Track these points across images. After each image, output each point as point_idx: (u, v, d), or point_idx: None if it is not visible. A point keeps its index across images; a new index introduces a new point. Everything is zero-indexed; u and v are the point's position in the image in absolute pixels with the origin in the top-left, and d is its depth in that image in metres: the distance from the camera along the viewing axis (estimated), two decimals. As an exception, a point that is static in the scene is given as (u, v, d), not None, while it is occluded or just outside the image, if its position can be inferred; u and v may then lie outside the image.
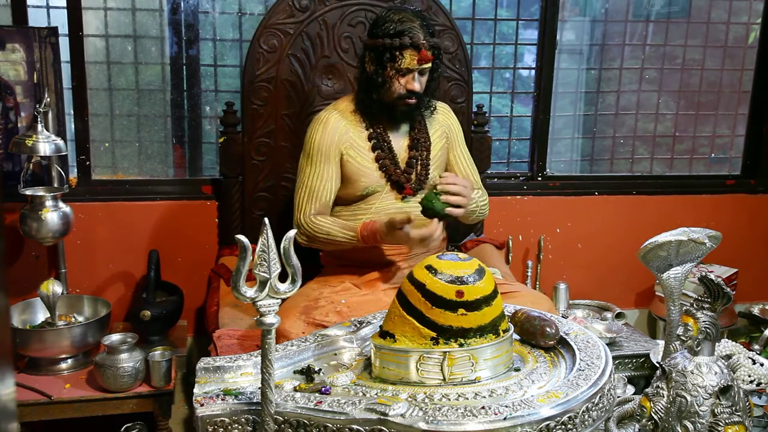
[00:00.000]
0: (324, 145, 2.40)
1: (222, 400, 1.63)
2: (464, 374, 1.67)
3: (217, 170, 3.13)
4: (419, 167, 2.47)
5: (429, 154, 2.49)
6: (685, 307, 1.77)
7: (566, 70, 3.65)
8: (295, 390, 1.68)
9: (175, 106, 3.23)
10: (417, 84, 2.35)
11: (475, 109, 3.09)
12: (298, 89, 2.92)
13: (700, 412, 1.62)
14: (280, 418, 1.56)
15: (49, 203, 2.62)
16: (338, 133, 2.41)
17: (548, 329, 1.84)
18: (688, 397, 1.63)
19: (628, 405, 1.95)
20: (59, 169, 2.74)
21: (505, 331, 1.74)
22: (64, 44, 2.88)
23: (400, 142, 2.48)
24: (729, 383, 1.63)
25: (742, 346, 2.45)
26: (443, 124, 2.57)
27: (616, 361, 2.55)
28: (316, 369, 1.78)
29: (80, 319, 2.71)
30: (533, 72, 3.43)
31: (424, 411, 1.51)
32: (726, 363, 1.69)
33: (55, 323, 2.56)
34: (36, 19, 2.92)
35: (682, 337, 1.71)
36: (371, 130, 2.44)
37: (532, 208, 3.39)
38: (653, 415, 1.67)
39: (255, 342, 2.26)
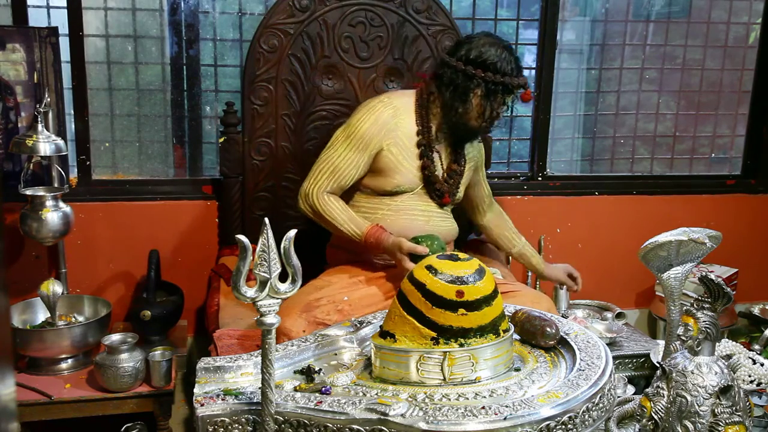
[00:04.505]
0: (367, 135, 2.42)
1: (222, 400, 1.63)
2: (464, 374, 1.67)
3: (217, 170, 3.13)
4: (454, 181, 2.55)
5: (464, 170, 2.58)
6: (685, 307, 1.77)
7: (566, 70, 3.65)
8: (296, 390, 1.68)
9: (175, 106, 3.23)
10: (502, 113, 2.48)
11: (475, 109, 3.09)
12: (298, 89, 2.92)
13: (701, 412, 1.62)
14: (281, 418, 1.56)
15: (49, 203, 2.62)
16: (386, 128, 2.43)
17: (548, 329, 1.84)
18: (689, 397, 1.63)
19: (629, 405, 1.95)
20: (59, 169, 2.74)
21: (506, 331, 1.74)
22: (64, 44, 2.88)
23: (441, 153, 2.52)
24: (729, 383, 1.63)
25: (742, 346, 2.45)
26: (474, 146, 2.65)
27: (617, 361, 2.55)
28: (317, 369, 1.78)
29: (80, 319, 2.71)
30: (533, 72, 3.42)
31: (424, 411, 1.51)
32: (726, 363, 1.69)
33: (55, 323, 2.56)
34: (36, 19, 2.92)
35: (683, 337, 1.71)
36: (422, 137, 2.46)
37: (532, 208, 3.39)
38: (653, 415, 1.67)
39: (255, 342, 2.26)
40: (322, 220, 2.41)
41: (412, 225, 2.43)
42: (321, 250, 2.68)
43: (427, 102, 2.47)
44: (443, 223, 2.53)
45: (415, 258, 2.24)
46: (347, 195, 2.49)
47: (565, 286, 3.18)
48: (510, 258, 3.23)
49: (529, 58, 3.53)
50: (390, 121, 2.43)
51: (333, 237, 2.62)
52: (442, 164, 2.53)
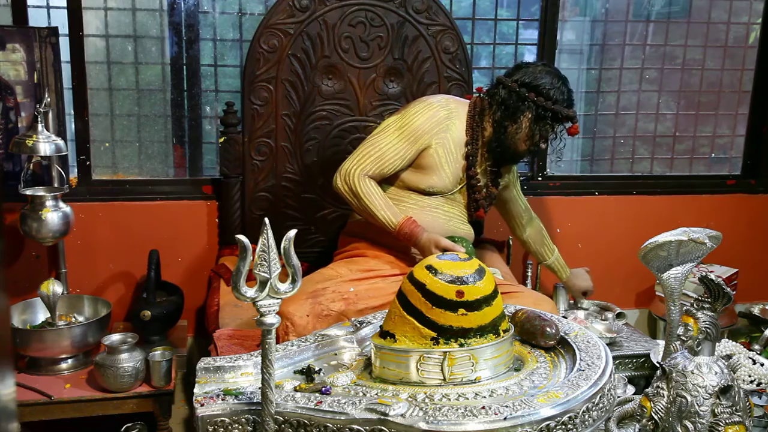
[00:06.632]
0: (420, 129, 2.45)
1: (222, 400, 1.63)
2: (464, 374, 1.67)
3: (217, 170, 3.13)
4: (490, 200, 2.64)
5: (497, 189, 2.67)
6: (685, 307, 1.77)
7: (566, 70, 3.63)
8: (296, 390, 1.68)
9: (175, 106, 3.23)
10: (546, 143, 2.54)
11: (475, 109, 3.10)
12: (298, 89, 2.92)
13: (701, 412, 1.62)
14: (281, 418, 1.56)
15: (49, 203, 2.62)
16: (439, 127, 2.47)
17: (548, 329, 1.84)
18: (689, 397, 1.63)
19: (629, 405, 1.95)
20: (59, 169, 2.74)
21: (506, 331, 1.74)
22: (64, 44, 2.88)
23: (482, 170, 2.58)
24: (729, 383, 1.63)
25: (742, 346, 2.45)
26: (509, 166, 2.72)
27: (617, 361, 2.55)
28: (317, 369, 1.78)
29: (80, 319, 2.71)
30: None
31: (424, 411, 1.51)
32: (726, 363, 1.69)
33: (55, 323, 2.56)
34: (36, 19, 2.93)
35: (683, 337, 1.71)
36: (470, 147, 2.50)
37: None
38: (653, 415, 1.67)
39: (255, 342, 2.26)
40: (358, 202, 2.41)
41: (433, 223, 2.46)
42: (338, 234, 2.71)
43: (480, 116, 2.51)
44: (463, 227, 2.57)
45: None
46: (378, 183, 2.50)
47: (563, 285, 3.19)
48: (510, 258, 3.23)
49: (529, 58, 3.53)
50: (443, 122, 2.47)
51: (348, 225, 2.65)
52: (485, 178, 2.59)
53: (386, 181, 2.50)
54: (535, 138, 2.48)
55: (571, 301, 3.07)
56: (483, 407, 1.50)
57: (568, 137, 2.57)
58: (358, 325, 1.96)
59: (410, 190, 2.50)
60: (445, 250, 2.28)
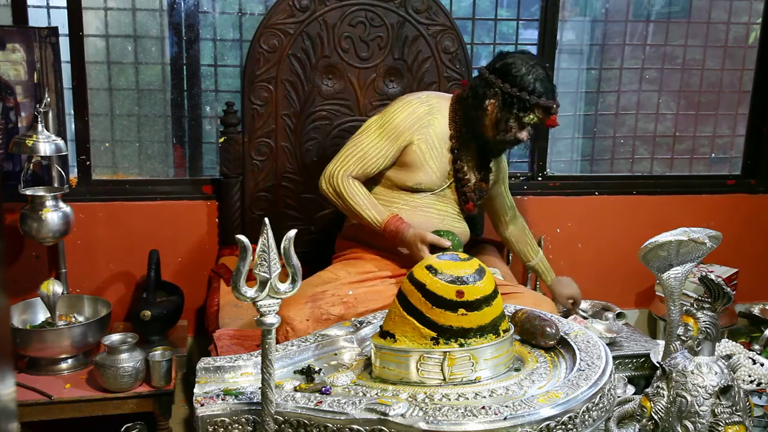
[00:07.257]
0: (400, 126, 2.44)
1: (222, 400, 1.64)
2: (464, 374, 1.67)
3: (217, 170, 3.13)
4: (480, 194, 2.61)
5: (488, 185, 2.64)
6: (685, 307, 1.77)
7: (566, 70, 3.65)
8: (296, 390, 1.68)
9: (175, 106, 3.23)
10: (526, 134, 2.44)
11: (475, 109, 3.09)
12: (298, 89, 2.92)
13: (701, 412, 1.62)
14: (281, 418, 1.56)
15: (49, 203, 2.62)
16: (419, 123, 2.45)
17: (548, 329, 1.84)
18: (689, 397, 1.63)
19: (629, 405, 1.95)
20: (59, 169, 2.74)
21: (506, 331, 1.74)
22: (64, 44, 2.88)
23: (468, 164, 2.55)
24: (729, 383, 1.64)
25: (742, 346, 2.45)
26: (498, 162, 2.70)
27: (617, 361, 2.54)
28: (317, 369, 1.78)
29: (80, 319, 2.71)
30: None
31: (424, 411, 1.51)
32: (726, 363, 1.69)
33: (55, 323, 2.56)
34: (36, 19, 2.93)
35: (683, 337, 1.71)
36: (454, 141, 2.49)
37: (532, 208, 3.39)
38: (653, 415, 1.68)
39: (255, 342, 2.26)
40: (343, 203, 2.42)
41: (427, 222, 2.45)
42: (325, 246, 2.69)
43: (462, 109, 2.49)
44: (457, 225, 2.56)
45: (436, 251, 2.25)
46: (366, 184, 2.49)
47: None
48: (510, 258, 3.23)
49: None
50: (424, 118, 2.46)
51: (344, 228, 2.64)
52: (473, 172, 2.57)
53: (374, 181, 2.50)
54: (501, 126, 2.40)
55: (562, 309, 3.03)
56: (483, 407, 1.51)
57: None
58: (358, 325, 1.96)
59: (399, 189, 2.49)
60: (431, 244, 2.28)
